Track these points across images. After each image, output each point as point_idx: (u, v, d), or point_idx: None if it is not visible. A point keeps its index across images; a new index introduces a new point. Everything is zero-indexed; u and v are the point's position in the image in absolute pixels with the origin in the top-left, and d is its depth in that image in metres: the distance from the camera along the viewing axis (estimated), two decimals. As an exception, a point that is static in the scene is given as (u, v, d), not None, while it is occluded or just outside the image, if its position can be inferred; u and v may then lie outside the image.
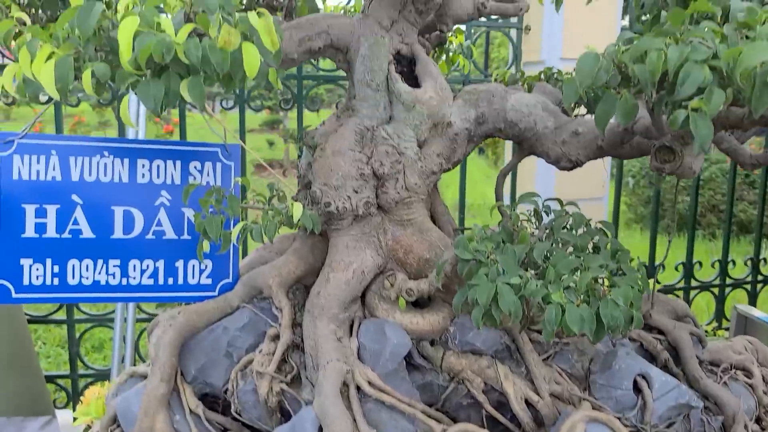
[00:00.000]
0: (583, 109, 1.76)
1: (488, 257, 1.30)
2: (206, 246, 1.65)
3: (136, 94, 1.03)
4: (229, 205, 1.50)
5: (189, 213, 1.81)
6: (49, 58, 1.08)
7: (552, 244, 1.36)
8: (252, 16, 1.08)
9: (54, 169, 1.75)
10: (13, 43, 1.22)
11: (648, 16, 1.57)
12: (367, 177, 1.54)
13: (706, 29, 0.97)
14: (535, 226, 1.52)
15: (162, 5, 1.08)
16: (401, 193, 1.56)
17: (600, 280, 1.25)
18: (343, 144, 1.56)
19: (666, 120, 1.03)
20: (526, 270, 1.32)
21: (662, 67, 0.92)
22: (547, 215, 1.54)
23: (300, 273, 1.67)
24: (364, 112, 1.59)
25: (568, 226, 1.44)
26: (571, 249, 1.37)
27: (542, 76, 1.96)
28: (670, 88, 0.94)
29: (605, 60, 1.00)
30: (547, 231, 1.46)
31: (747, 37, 0.95)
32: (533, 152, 1.65)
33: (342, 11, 2.20)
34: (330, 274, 1.56)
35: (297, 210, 1.41)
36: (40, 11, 1.46)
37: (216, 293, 1.82)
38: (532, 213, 1.54)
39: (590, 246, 1.41)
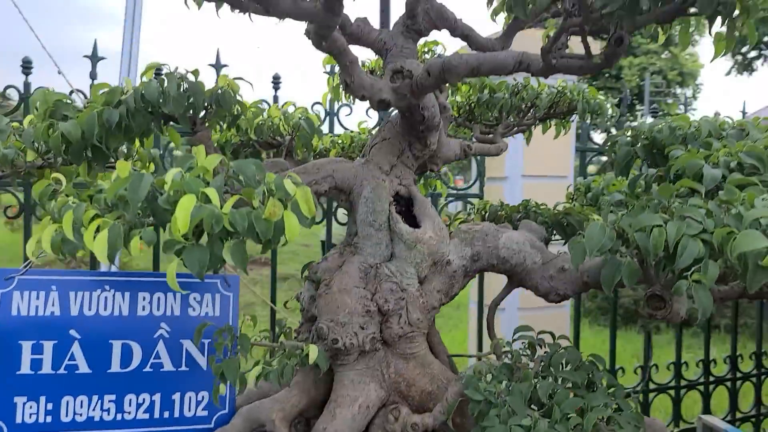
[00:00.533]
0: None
1: (497, 397, 1.37)
2: (222, 389, 1.66)
3: (182, 259, 1.09)
4: (240, 345, 1.53)
5: (187, 344, 1.83)
6: (92, 220, 1.14)
7: (553, 380, 1.45)
8: (289, 184, 1.17)
9: (53, 305, 1.75)
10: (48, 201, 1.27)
11: (616, 166, 1.76)
12: (372, 313, 1.62)
13: (694, 204, 1.13)
14: (530, 359, 1.61)
15: (203, 174, 1.17)
16: (405, 328, 1.64)
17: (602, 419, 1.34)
18: (349, 281, 1.64)
19: (660, 279, 1.16)
20: (531, 407, 1.40)
21: (663, 241, 1.06)
22: (541, 347, 1.64)
23: (303, 406, 1.69)
24: (368, 251, 1.69)
25: (563, 362, 1.54)
26: (569, 385, 1.46)
27: (521, 209, 2.12)
28: (669, 257, 1.08)
29: (609, 229, 1.14)
30: (543, 364, 1.56)
31: (729, 211, 1.11)
32: (523, 285, 1.77)
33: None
34: (336, 410, 1.60)
35: (313, 352, 1.46)
36: (59, 158, 1.52)
37: (212, 425, 1.81)
38: (527, 346, 1.64)
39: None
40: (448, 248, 1.70)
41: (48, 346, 1.72)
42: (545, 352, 1.60)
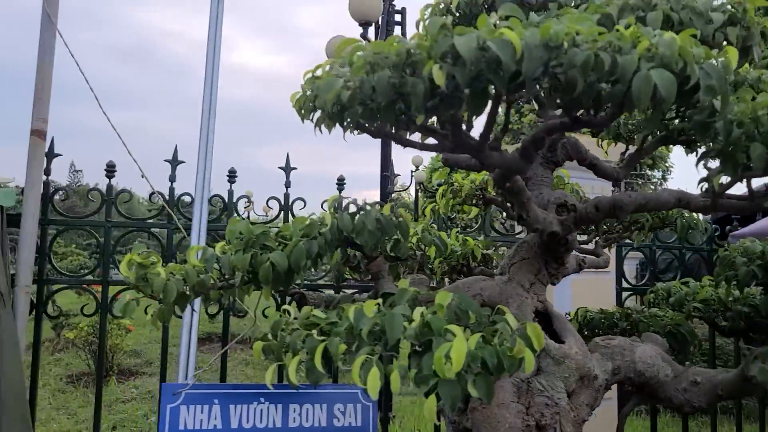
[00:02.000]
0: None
1: None
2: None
3: (438, 393, 1.21)
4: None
5: (334, 455, 1.91)
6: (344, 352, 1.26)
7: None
8: (511, 318, 1.32)
9: (216, 418, 1.83)
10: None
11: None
12: (531, 428, 1.72)
13: None
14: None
15: (438, 311, 1.31)
16: (559, 441, 1.74)
17: None
18: (505, 396, 1.76)
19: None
20: None
21: None
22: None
23: None
24: (518, 365, 1.81)
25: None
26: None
27: (621, 316, 2.28)
28: None
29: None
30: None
31: None
32: (654, 396, 1.90)
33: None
34: None
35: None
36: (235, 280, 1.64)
37: None
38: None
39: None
40: (592, 363, 1.83)
41: (211, 459, 1.79)
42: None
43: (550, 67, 1.06)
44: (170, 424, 1.76)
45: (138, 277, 1.57)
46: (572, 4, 1.65)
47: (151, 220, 3.49)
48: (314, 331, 1.33)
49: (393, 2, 10.89)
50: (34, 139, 3.14)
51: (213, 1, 3.86)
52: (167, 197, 3.36)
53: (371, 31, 8.07)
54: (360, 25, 8.47)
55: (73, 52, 3.18)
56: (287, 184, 3.48)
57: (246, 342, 13.64)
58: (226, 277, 1.68)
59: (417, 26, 1.87)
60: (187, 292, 1.59)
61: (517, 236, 3.80)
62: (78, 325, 9.45)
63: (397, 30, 10.58)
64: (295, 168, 3.52)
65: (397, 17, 11.06)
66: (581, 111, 1.32)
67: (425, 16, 1.87)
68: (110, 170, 3.32)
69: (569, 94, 1.08)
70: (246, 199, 3.54)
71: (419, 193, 15.99)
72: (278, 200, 3.45)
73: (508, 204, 2.24)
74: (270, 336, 1.43)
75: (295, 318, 1.42)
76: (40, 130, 3.16)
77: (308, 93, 1.50)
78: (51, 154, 3.21)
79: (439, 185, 2.42)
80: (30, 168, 3.13)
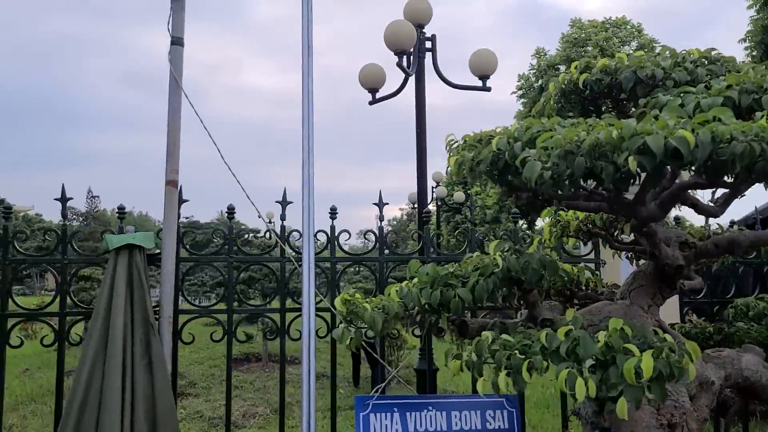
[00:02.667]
0: None
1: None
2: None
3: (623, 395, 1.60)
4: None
5: (491, 454, 2.30)
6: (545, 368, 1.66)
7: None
8: (670, 338, 1.71)
9: (396, 423, 2.23)
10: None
11: None
12: (664, 426, 2.11)
13: None
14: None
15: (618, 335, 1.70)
16: (686, 436, 2.12)
17: None
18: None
19: None
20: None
21: None
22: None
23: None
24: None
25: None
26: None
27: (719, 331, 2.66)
28: None
29: None
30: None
31: None
32: (758, 398, 2.27)
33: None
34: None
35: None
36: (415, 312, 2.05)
37: None
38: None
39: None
40: (709, 371, 2.21)
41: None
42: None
43: (714, 154, 1.46)
44: (363, 427, 2.16)
45: (349, 311, 1.98)
46: (684, 81, 2.05)
47: (266, 255, 3.91)
48: (515, 351, 1.73)
49: (423, 30, 11.37)
50: (169, 188, 3.58)
51: (304, 51, 4.30)
52: (278, 233, 3.79)
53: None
54: (395, 54, 8.93)
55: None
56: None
57: (288, 362, 14.03)
58: (409, 309, 2.09)
59: (548, 100, 2.28)
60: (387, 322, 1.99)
61: (583, 257, 4.18)
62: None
63: (428, 57, 11.05)
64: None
65: (428, 44, 11.55)
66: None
67: (554, 92, 2.29)
68: (230, 213, 3.76)
69: (726, 171, 1.48)
70: (347, 233, 3.96)
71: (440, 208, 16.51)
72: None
73: (611, 236, 2.63)
74: (474, 355, 1.83)
75: (495, 340, 1.82)
76: (173, 180, 3.60)
77: (469, 154, 1.93)
78: (180, 200, 3.65)
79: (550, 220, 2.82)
80: (167, 213, 3.57)
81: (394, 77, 8.87)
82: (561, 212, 2.82)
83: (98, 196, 63.74)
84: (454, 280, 2.00)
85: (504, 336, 1.84)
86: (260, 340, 14.19)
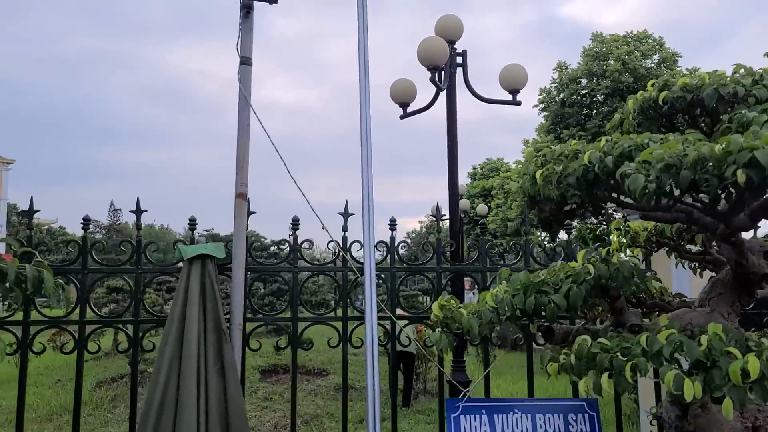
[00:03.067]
0: None
1: None
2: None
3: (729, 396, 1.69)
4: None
5: (574, 455, 2.38)
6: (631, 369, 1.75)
7: None
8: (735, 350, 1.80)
9: (485, 425, 2.32)
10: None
11: None
12: (749, 429, 2.18)
13: None
14: None
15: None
16: (769, 438, 2.20)
17: None
18: (722, 403, 2.22)
19: None
20: None
21: None
22: None
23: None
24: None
25: None
26: None
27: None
28: None
29: None
30: None
31: None
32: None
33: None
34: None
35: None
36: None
37: None
38: None
39: None
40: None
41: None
42: None
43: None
44: (455, 429, 2.26)
45: (445, 316, 2.09)
46: (765, 99, 2.15)
47: (329, 265, 4.04)
48: (617, 353, 1.83)
49: (455, 45, 11.53)
50: (239, 200, 3.73)
51: (360, 70, 4.45)
52: (339, 244, 3.92)
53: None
54: (428, 69, 9.08)
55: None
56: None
57: (311, 374, 14.12)
58: (500, 314, 2.19)
59: (627, 116, 2.39)
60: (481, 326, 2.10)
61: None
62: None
63: (459, 72, 11.19)
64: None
65: (459, 59, 11.70)
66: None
67: (633, 108, 2.40)
68: (295, 225, 3.90)
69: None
70: (405, 244, 4.07)
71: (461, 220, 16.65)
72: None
73: (680, 244, 2.72)
74: (574, 358, 1.93)
75: (597, 342, 1.92)
76: (242, 193, 3.75)
77: (557, 168, 2.04)
78: (248, 212, 3.80)
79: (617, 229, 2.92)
80: (237, 225, 3.72)
81: (422, 91, 9.05)
82: (631, 224, 2.92)
83: (120, 209, 64.55)
84: (546, 287, 2.11)
85: (601, 339, 1.94)
86: (288, 351, 14.29)
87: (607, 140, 2.05)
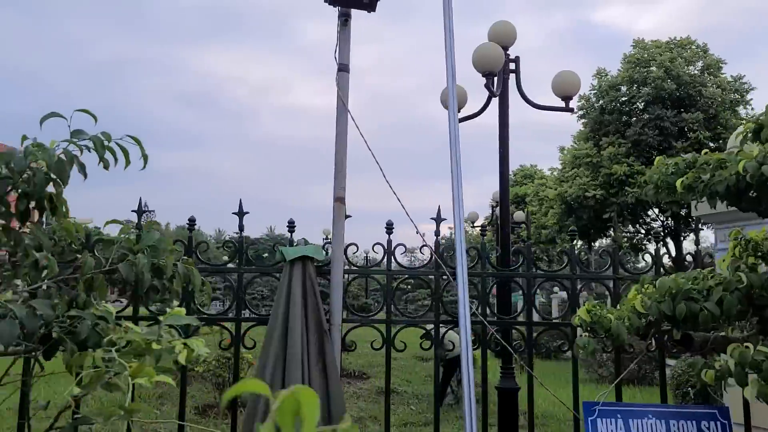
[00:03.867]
0: None
1: None
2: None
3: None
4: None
5: (708, 461, 2.40)
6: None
7: None
8: None
9: (621, 428, 2.35)
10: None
11: None
12: None
13: None
14: None
15: None
16: None
17: None
18: None
19: None
20: None
21: None
22: None
23: None
24: None
25: None
26: None
27: None
28: None
29: None
30: None
31: None
32: None
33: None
34: None
35: None
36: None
37: None
38: None
39: None
40: None
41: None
42: None
43: None
44: (591, 431, 2.29)
45: (592, 321, 2.12)
46: None
47: (422, 269, 4.10)
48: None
49: (508, 52, 11.53)
50: (338, 204, 3.81)
51: (449, 74, 4.50)
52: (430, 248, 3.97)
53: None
54: (483, 75, 9.10)
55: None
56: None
57: (352, 377, 14.21)
58: (642, 320, 2.22)
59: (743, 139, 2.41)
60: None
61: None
62: (205, 359, 10.18)
63: (512, 78, 11.20)
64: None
65: (512, 65, 11.70)
66: None
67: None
68: (389, 228, 3.97)
69: None
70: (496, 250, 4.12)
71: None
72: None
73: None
74: (735, 366, 1.95)
75: (759, 350, 1.94)
76: (341, 197, 3.83)
77: (705, 176, 2.07)
78: (344, 215, 3.88)
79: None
80: (336, 228, 3.80)
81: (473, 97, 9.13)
82: (750, 233, 2.92)
83: (153, 211, 65.59)
84: (696, 294, 2.13)
85: (761, 347, 1.95)
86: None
87: (760, 150, 2.07)
